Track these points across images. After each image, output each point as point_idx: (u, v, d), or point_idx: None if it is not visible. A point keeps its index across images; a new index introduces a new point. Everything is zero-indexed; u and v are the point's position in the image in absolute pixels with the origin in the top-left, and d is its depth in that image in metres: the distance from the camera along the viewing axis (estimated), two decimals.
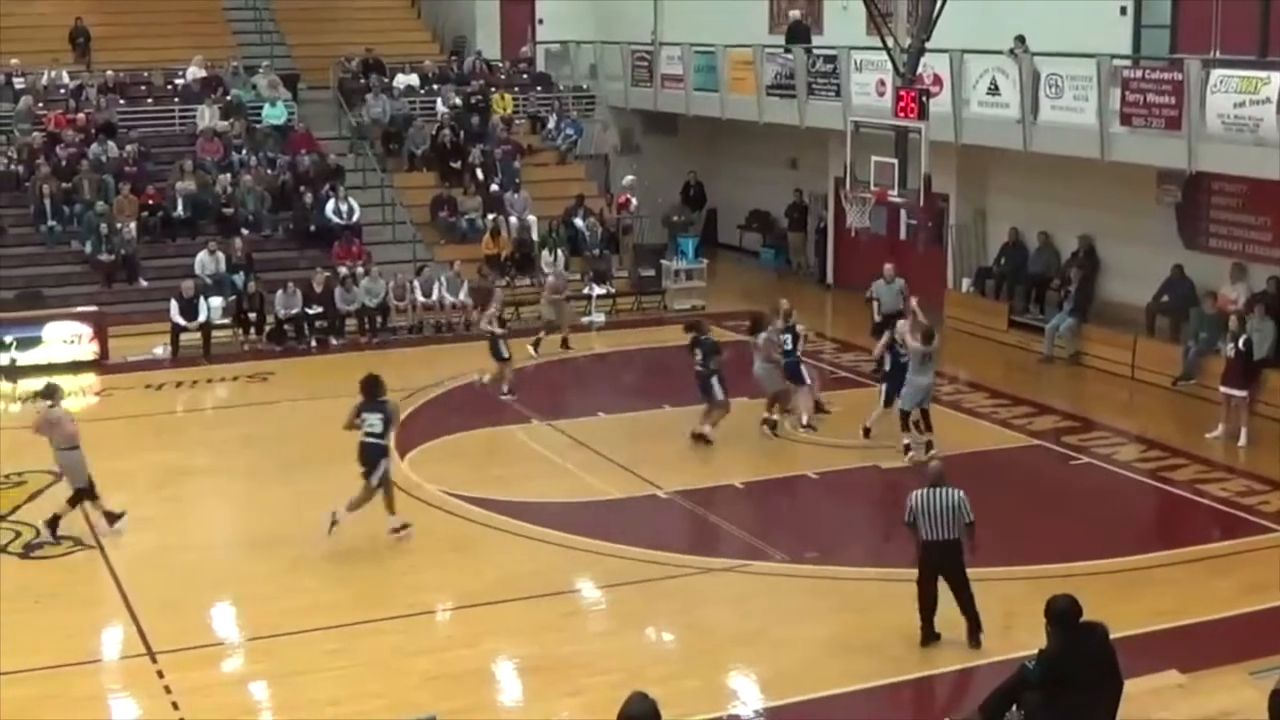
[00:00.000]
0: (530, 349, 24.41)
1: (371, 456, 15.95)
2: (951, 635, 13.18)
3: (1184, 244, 23.16)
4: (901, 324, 19.85)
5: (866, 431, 19.55)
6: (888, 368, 19.47)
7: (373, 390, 16.12)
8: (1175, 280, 22.94)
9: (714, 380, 19.52)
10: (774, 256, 32.94)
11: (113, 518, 16.39)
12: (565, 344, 25.22)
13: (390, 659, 13.12)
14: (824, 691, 12.51)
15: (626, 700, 8.06)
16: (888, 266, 24.31)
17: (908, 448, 18.55)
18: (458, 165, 30.86)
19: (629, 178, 31.43)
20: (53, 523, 16.16)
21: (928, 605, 13.16)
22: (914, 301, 20.31)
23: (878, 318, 23.89)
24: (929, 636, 13.20)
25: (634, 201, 30.75)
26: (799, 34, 29.46)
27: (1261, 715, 9.34)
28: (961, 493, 12.99)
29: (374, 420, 15.93)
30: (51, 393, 16.56)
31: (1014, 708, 10.05)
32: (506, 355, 22.14)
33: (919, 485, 13.32)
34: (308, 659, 13.17)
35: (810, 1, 31.08)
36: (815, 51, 27.96)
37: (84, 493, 16.27)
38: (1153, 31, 23.88)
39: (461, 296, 26.59)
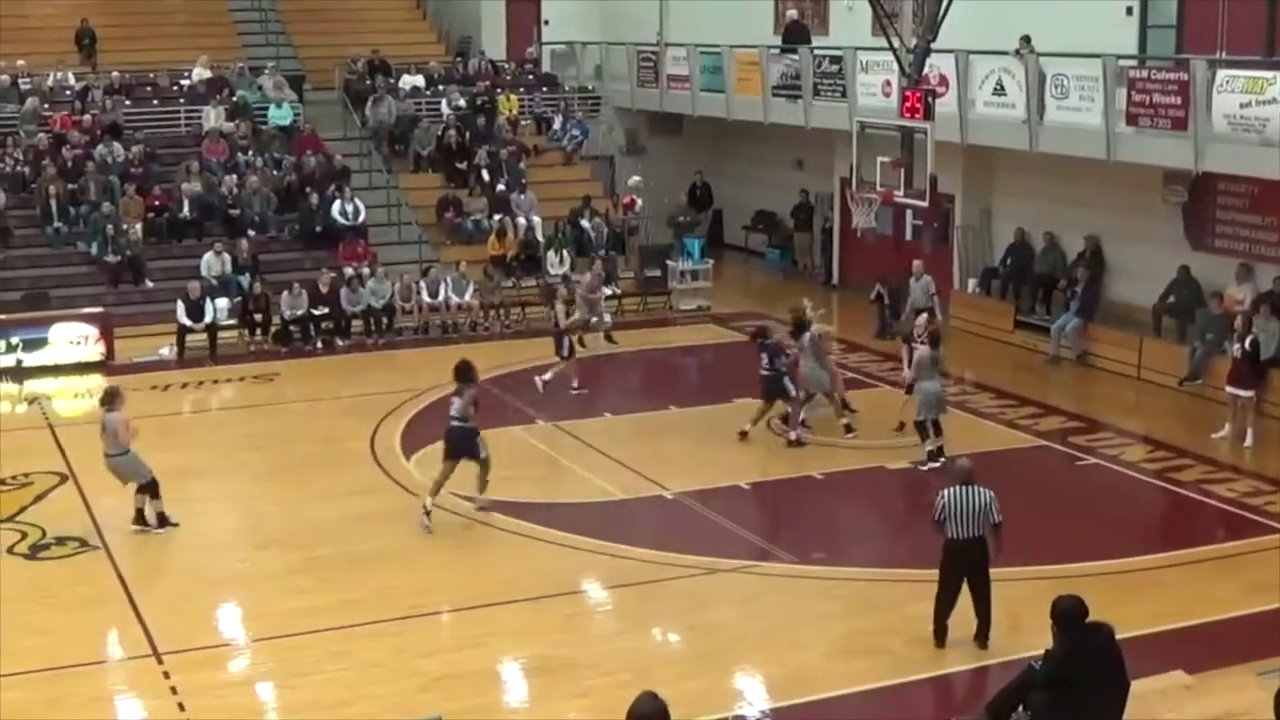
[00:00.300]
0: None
1: (462, 441, 16.62)
2: (958, 636, 13.17)
3: (1190, 244, 23.13)
4: (922, 319, 20.01)
5: (902, 425, 19.57)
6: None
7: (461, 375, 16.84)
8: (1181, 280, 22.92)
9: (785, 380, 19.61)
10: (780, 257, 32.92)
11: (140, 518, 16.43)
12: (581, 343, 25.17)
13: (396, 660, 13.12)
14: (831, 692, 12.50)
15: (636, 699, 8.04)
16: (917, 263, 24.36)
17: (931, 455, 18.34)
18: (463, 166, 30.85)
19: (634, 178, 31.40)
20: (160, 520, 16.38)
21: (948, 605, 13.10)
22: (922, 318, 20.40)
23: (904, 315, 23.93)
24: (944, 636, 13.17)
25: (639, 202, 30.74)
26: (797, 34, 29.45)
27: (1268, 716, 9.33)
28: (991, 493, 12.95)
29: (457, 403, 16.66)
30: (109, 398, 16.62)
31: (1020, 708, 10.04)
32: (568, 354, 22.35)
33: (935, 484, 13.30)
34: (314, 660, 13.18)
35: (816, 2, 31.10)
36: (821, 52, 27.94)
37: (149, 486, 16.38)
38: (1159, 32, 23.87)
39: (467, 298, 26.61)
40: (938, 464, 18.00)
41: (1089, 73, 21.98)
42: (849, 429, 19.94)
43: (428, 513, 16.39)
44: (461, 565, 15.61)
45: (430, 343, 25.99)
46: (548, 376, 22.20)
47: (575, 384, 22.40)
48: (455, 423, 16.68)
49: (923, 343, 18.76)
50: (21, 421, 21.48)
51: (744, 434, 19.73)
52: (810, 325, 19.98)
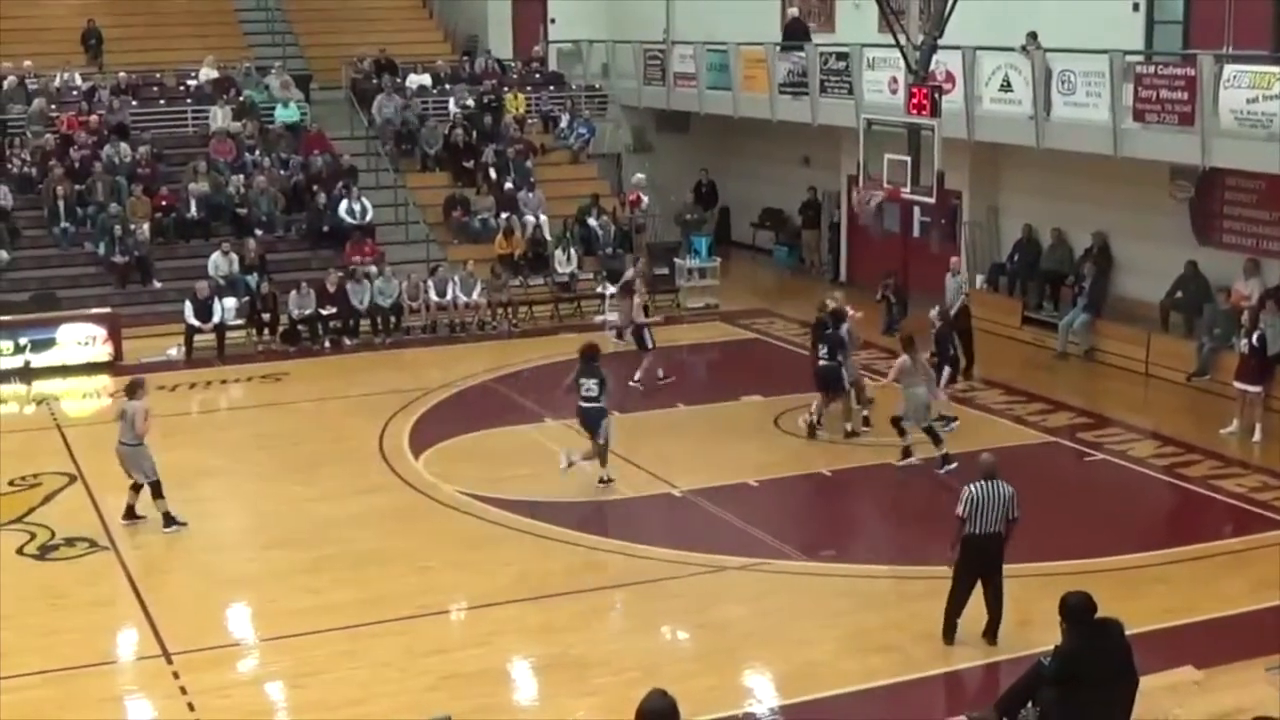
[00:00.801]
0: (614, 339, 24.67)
1: (590, 418, 17.75)
2: (966, 632, 13.17)
3: (1197, 240, 23.11)
4: (932, 313, 20.19)
5: (946, 420, 19.59)
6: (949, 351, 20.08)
7: (589, 357, 17.85)
8: (1189, 276, 22.90)
9: (844, 371, 19.74)
10: (787, 254, 32.89)
11: (130, 513, 16.57)
12: (620, 336, 25.05)
13: (405, 659, 13.14)
14: (839, 689, 12.51)
15: (645, 696, 8.05)
16: (954, 259, 24.29)
17: (946, 458, 18.16)
18: (470, 165, 30.88)
19: (639, 175, 31.40)
20: (167, 519, 16.43)
21: (960, 602, 13.08)
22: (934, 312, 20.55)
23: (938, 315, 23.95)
24: (953, 634, 13.15)
25: (645, 199, 30.70)
26: (798, 31, 29.44)
27: (1277, 712, 9.33)
28: (1012, 489, 12.95)
29: (591, 385, 17.69)
30: (134, 387, 16.81)
31: (1029, 704, 10.04)
32: (652, 345, 22.66)
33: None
34: (323, 659, 13.20)
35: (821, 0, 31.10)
36: (827, 49, 27.92)
37: (153, 486, 16.45)
38: (1165, 27, 23.84)
39: (475, 296, 26.61)
40: (954, 465, 17.83)
41: (1095, 69, 21.96)
42: (866, 421, 19.95)
43: (603, 480, 17.72)
44: (470, 564, 15.61)
45: (438, 342, 26.03)
46: (638, 375, 22.41)
47: (661, 374, 22.68)
48: (587, 403, 17.63)
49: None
50: (30, 422, 21.52)
51: (813, 432, 19.74)
52: (847, 316, 20.06)
